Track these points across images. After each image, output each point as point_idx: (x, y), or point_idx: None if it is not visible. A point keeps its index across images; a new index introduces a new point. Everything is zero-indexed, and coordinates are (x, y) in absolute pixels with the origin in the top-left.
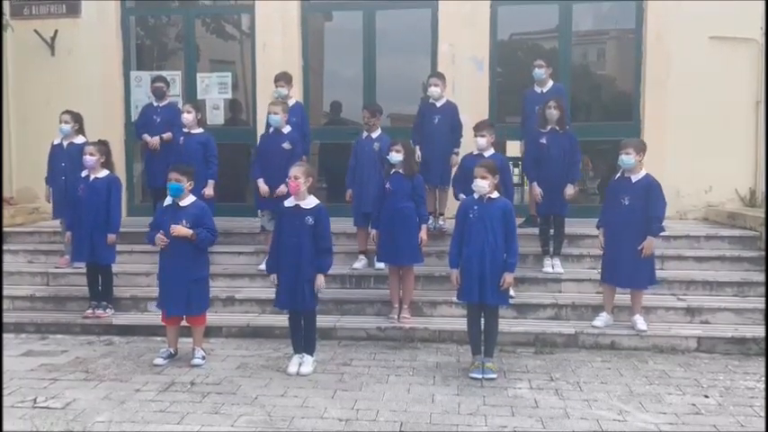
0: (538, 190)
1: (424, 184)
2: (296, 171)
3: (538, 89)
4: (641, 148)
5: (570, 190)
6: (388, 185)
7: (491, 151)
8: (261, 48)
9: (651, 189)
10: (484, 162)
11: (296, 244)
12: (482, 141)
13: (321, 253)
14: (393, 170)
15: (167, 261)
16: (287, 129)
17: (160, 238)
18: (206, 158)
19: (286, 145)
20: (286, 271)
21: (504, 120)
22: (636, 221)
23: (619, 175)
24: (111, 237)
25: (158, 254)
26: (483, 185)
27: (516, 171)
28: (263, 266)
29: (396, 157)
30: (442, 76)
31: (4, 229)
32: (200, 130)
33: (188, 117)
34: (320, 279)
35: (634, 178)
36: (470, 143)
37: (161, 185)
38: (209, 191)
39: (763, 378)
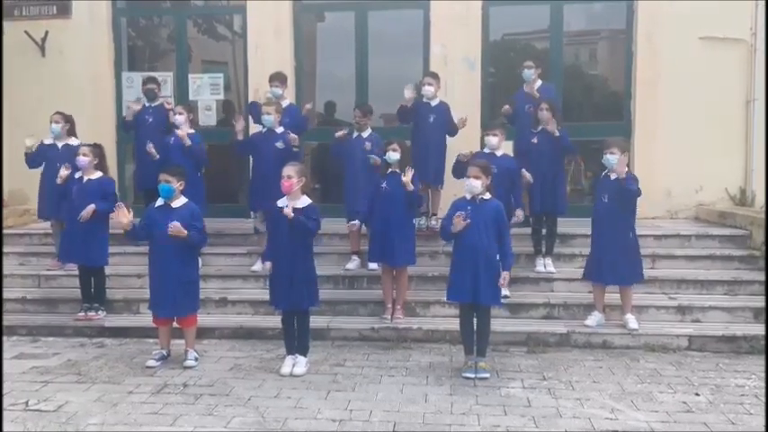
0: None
1: (417, 183)
2: (289, 170)
3: (527, 89)
4: (625, 148)
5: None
6: (384, 185)
7: (502, 151)
8: (253, 48)
9: (627, 177)
10: (478, 162)
11: (289, 244)
12: (493, 140)
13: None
14: (390, 169)
15: (157, 263)
16: (279, 129)
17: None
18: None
19: (279, 144)
20: (281, 272)
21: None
22: (616, 219)
23: (604, 173)
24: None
25: (147, 256)
26: (476, 185)
27: None
28: (255, 267)
29: (393, 155)
30: (436, 76)
31: None
32: (192, 131)
33: (179, 118)
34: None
35: (613, 176)
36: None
37: (153, 187)
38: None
39: (754, 376)
